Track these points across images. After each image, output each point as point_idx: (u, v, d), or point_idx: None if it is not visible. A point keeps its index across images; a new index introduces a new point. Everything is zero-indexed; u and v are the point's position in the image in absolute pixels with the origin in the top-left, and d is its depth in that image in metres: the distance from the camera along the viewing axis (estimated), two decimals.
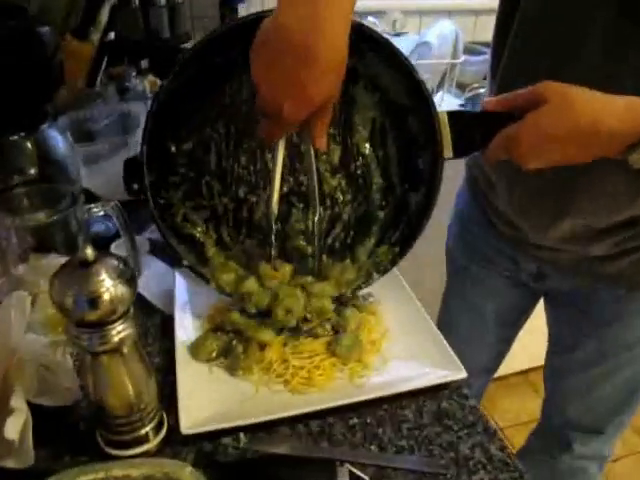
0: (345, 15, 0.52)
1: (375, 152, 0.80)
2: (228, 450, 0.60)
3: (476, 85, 1.48)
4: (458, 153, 0.69)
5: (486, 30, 1.81)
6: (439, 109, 0.68)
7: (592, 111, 0.58)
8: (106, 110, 1.06)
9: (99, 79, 1.01)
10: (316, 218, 0.75)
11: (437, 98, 1.47)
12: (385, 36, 0.69)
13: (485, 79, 1.00)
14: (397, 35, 1.63)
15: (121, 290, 0.48)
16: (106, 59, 1.00)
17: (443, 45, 1.44)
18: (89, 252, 0.47)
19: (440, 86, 1.50)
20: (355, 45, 0.55)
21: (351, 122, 0.78)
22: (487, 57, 0.92)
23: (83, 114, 1.04)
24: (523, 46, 0.77)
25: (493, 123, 0.64)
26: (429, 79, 1.42)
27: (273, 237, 0.73)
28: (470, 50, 1.65)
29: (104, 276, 0.47)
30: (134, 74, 1.20)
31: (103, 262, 0.48)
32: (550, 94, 0.59)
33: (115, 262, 0.49)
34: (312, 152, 0.68)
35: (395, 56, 0.68)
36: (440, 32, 1.48)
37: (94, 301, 0.47)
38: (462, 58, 1.48)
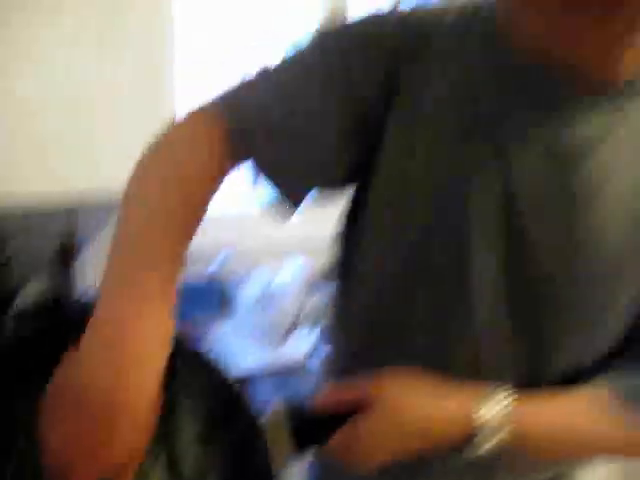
0: (157, 356, 0.49)
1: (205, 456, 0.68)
2: None
3: None
4: (297, 450, 0.63)
5: None
6: (277, 408, 0.63)
7: (421, 418, 0.60)
8: None
9: None
10: None
11: (293, 339, 1.55)
12: (194, 344, 0.65)
13: None
14: (247, 276, 1.68)
15: None
16: None
17: (292, 286, 1.55)
18: None
19: (292, 328, 1.54)
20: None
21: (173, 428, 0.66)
22: None
23: None
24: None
25: (331, 420, 0.62)
26: (282, 328, 1.49)
27: None
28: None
29: None
30: None
31: None
32: (382, 396, 0.61)
33: None
34: None
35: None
36: (288, 273, 1.59)
37: None
38: (312, 302, 1.56)
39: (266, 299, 1.57)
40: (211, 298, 1.65)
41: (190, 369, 0.64)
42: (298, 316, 1.54)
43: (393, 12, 0.65)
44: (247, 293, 1.64)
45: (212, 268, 1.69)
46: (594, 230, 0.60)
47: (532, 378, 0.64)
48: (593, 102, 0.59)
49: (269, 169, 0.64)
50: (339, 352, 0.77)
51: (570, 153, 0.59)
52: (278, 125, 0.63)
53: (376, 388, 0.61)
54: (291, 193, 0.66)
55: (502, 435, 0.58)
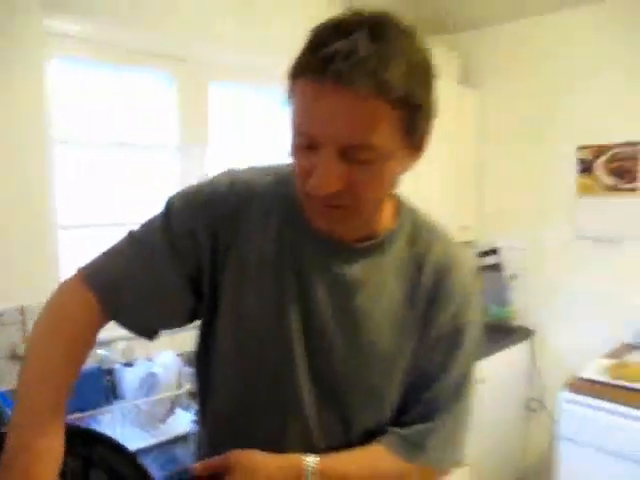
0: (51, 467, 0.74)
1: None
2: None
3: None
4: None
5: None
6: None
7: (270, 471, 0.81)
8: None
9: None
10: None
11: (170, 421, 1.75)
12: (106, 434, 0.89)
13: None
14: (129, 365, 1.86)
15: None
16: None
17: (169, 373, 1.75)
18: None
19: (171, 410, 1.74)
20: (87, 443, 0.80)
21: None
22: None
23: None
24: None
25: None
26: (162, 410, 1.68)
27: None
28: None
29: None
30: None
31: None
32: (240, 461, 0.80)
33: None
34: None
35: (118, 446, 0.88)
36: (164, 362, 1.80)
37: None
38: (187, 385, 1.78)
39: (148, 384, 1.74)
40: (98, 384, 1.77)
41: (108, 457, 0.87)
42: (176, 398, 1.74)
43: (224, 179, 0.88)
44: (130, 379, 1.80)
45: (98, 356, 1.83)
46: (370, 339, 0.86)
47: (346, 440, 0.89)
48: (360, 253, 0.86)
49: (130, 327, 0.88)
50: (202, 439, 0.99)
51: (347, 287, 0.86)
52: (132, 293, 0.85)
53: (235, 457, 0.81)
54: (147, 336, 0.90)
55: (317, 475, 0.83)
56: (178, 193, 0.90)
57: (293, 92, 0.73)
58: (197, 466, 0.83)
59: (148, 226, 0.89)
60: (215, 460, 0.83)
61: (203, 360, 0.94)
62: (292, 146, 0.76)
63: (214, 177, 0.91)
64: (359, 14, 0.71)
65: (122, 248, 0.89)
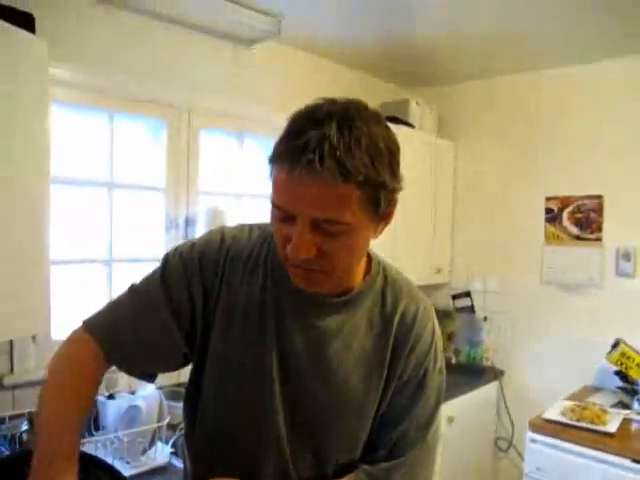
0: None
1: None
2: None
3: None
4: None
5: None
6: None
7: None
8: None
9: None
10: None
11: (150, 452, 1.81)
12: (105, 460, 1.01)
13: None
14: (111, 397, 1.95)
15: None
16: None
17: (150, 406, 1.83)
18: None
19: (152, 442, 1.81)
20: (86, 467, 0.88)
21: None
22: None
23: None
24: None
25: None
26: (142, 442, 1.76)
27: None
28: None
29: None
30: None
31: None
32: None
33: None
34: None
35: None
36: (147, 394, 1.88)
37: None
38: (167, 419, 1.85)
39: (129, 416, 1.81)
40: None
41: None
42: (156, 430, 1.81)
43: (216, 235, 0.97)
44: (112, 411, 1.87)
45: None
46: (343, 384, 0.95)
47: (319, 475, 0.97)
48: (335, 307, 0.95)
49: (132, 372, 0.98)
50: (188, 471, 1.07)
51: (322, 338, 0.95)
52: (133, 342, 0.94)
53: None
54: (148, 379, 1.01)
55: None
56: (174, 249, 1.00)
57: (272, 172, 0.84)
58: None
59: (147, 280, 0.99)
60: None
61: (193, 397, 1.02)
62: (271, 216, 0.87)
63: (207, 233, 1.01)
64: (332, 103, 0.82)
65: (124, 301, 0.98)
